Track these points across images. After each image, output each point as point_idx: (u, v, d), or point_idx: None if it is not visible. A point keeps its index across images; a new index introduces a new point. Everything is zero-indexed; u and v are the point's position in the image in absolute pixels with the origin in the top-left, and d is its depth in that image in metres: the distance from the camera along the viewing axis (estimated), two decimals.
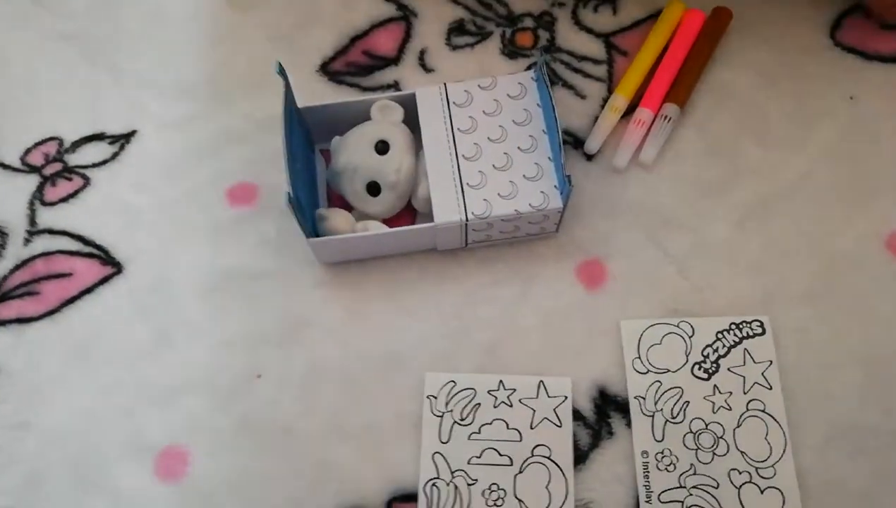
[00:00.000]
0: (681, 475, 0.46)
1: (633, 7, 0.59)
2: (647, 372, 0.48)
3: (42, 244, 0.54)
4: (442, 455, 0.47)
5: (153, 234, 0.54)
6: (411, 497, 0.46)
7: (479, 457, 0.47)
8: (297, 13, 0.61)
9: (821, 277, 0.50)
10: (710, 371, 0.48)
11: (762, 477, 0.46)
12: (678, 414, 0.47)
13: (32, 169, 0.57)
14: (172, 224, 0.54)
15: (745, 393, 0.47)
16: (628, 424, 0.47)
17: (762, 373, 0.48)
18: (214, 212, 0.54)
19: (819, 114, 0.55)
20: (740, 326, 0.49)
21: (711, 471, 0.46)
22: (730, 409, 0.47)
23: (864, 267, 0.50)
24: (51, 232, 0.54)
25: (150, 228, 0.54)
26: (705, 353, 0.49)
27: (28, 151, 0.57)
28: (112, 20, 0.61)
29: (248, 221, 0.54)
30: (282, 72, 0.48)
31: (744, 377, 0.48)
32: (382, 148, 0.50)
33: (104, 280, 0.53)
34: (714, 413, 0.47)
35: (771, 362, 0.48)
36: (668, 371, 0.48)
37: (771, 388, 0.47)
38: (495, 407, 0.48)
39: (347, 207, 0.51)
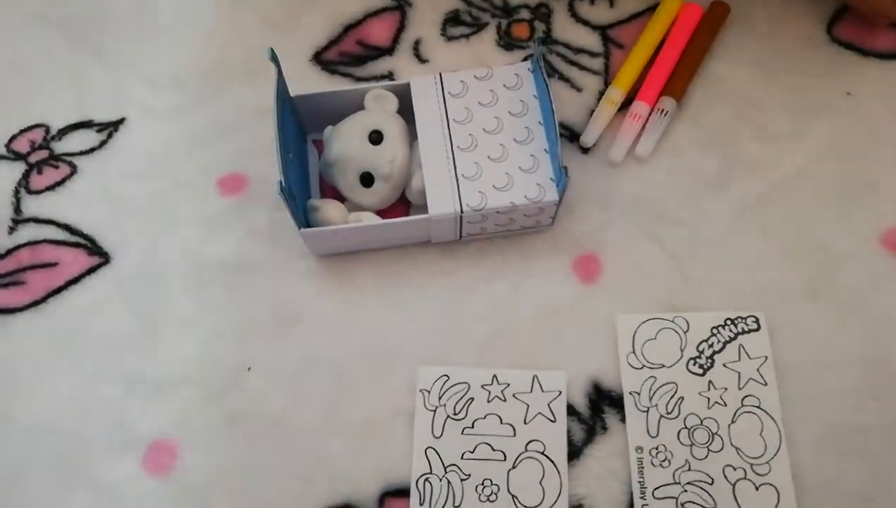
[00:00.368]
0: (675, 471, 0.46)
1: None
2: (641, 368, 0.48)
3: (27, 233, 0.53)
4: (435, 449, 0.46)
5: (141, 224, 0.53)
6: (404, 491, 0.46)
7: (473, 452, 0.46)
8: (289, 1, 0.60)
9: (816, 273, 0.50)
10: (705, 366, 0.48)
11: (757, 474, 0.45)
12: (673, 410, 0.47)
13: (18, 156, 0.56)
14: (161, 213, 0.53)
15: (739, 389, 0.47)
16: (623, 419, 0.47)
17: (757, 369, 0.48)
18: (205, 202, 0.53)
19: (816, 110, 0.55)
20: (735, 321, 0.49)
21: (706, 467, 0.46)
22: (725, 405, 0.47)
23: (860, 263, 0.50)
24: (36, 221, 0.53)
25: (139, 218, 0.53)
26: (700, 349, 0.48)
27: (13, 138, 0.56)
28: (101, 5, 0.60)
29: (239, 212, 0.53)
30: (274, 58, 0.47)
31: (739, 373, 0.48)
32: (376, 138, 0.49)
33: (91, 270, 0.52)
34: (709, 408, 0.47)
35: (766, 358, 0.48)
36: (663, 366, 0.48)
37: (766, 384, 0.47)
38: (489, 401, 0.47)
39: (340, 198, 0.50)
